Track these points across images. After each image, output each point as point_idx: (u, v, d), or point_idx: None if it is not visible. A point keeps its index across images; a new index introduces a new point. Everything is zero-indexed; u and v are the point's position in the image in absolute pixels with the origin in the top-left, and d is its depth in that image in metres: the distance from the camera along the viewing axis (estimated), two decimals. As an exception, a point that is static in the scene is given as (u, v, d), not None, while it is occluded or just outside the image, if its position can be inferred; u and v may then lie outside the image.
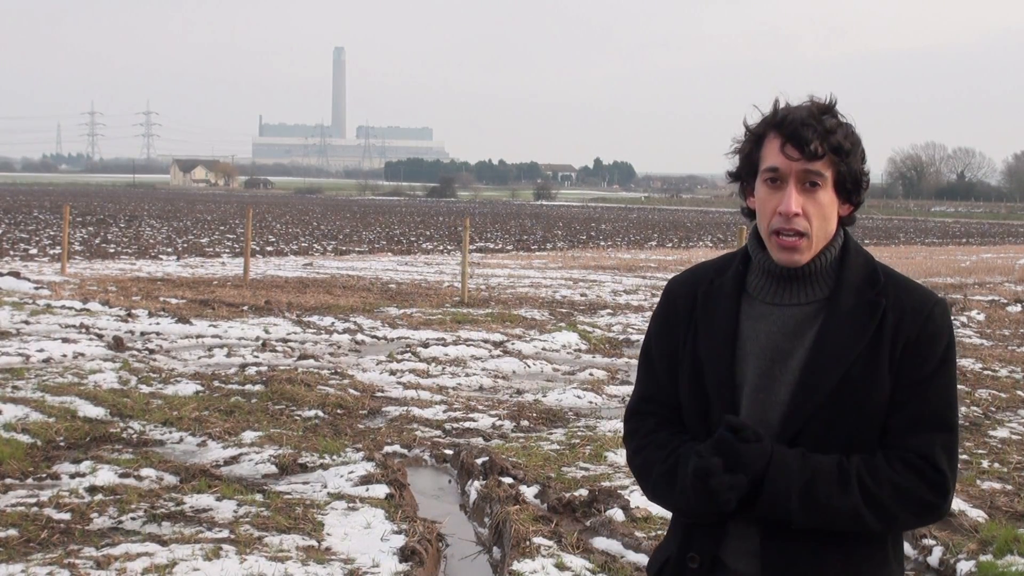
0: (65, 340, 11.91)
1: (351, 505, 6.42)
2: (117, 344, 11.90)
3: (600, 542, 5.95)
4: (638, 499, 6.52)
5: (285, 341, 12.97)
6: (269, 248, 32.34)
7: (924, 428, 2.04)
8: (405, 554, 5.61)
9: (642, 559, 5.67)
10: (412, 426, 8.89)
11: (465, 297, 18.07)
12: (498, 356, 12.28)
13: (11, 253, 26.68)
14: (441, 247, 35.76)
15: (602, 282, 22.87)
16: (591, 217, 72.44)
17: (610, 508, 6.40)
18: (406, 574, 5.40)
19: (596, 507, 6.48)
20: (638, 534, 6.01)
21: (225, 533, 5.78)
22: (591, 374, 11.50)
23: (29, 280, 17.57)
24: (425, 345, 12.73)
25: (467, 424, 9.01)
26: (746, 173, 2.13)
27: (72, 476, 6.88)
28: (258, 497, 6.55)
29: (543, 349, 13.04)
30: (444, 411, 9.42)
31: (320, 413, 9.09)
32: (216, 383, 10.04)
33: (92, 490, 6.53)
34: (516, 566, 5.44)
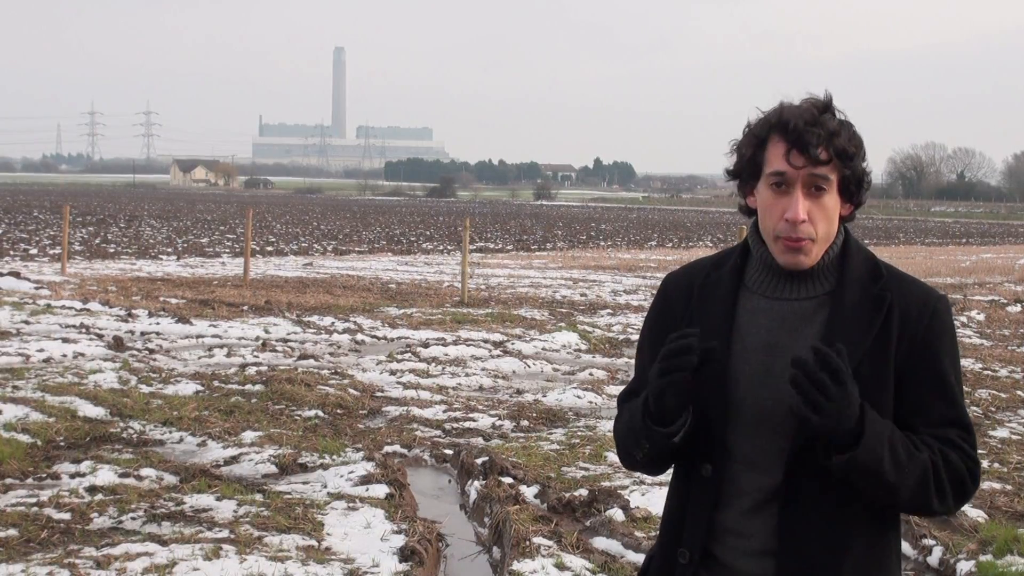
0: (65, 340, 11.91)
1: (351, 505, 6.42)
2: (117, 344, 11.91)
3: (600, 542, 5.95)
4: (638, 499, 6.53)
5: (285, 341, 12.97)
6: (269, 248, 32.34)
7: (948, 424, 2.05)
8: (405, 554, 5.61)
9: (642, 559, 5.66)
10: (412, 426, 8.89)
11: (465, 297, 18.07)
12: (498, 356, 12.28)
13: (11, 253, 26.68)
14: (441, 247, 35.76)
15: (602, 282, 22.87)
16: (591, 217, 72.44)
17: (610, 508, 6.40)
18: (406, 574, 5.40)
19: (596, 507, 6.48)
20: (638, 534, 6.01)
21: (225, 533, 5.78)
22: (591, 374, 11.50)
23: (29, 280, 17.58)
24: (425, 345, 12.74)
25: (467, 424, 9.01)
26: (748, 174, 2.11)
27: (72, 476, 6.88)
28: (258, 497, 6.55)
29: (543, 349, 13.04)
30: (444, 411, 9.42)
31: (320, 413, 9.09)
32: (216, 383, 10.04)
33: (92, 490, 6.53)
34: (516, 566, 5.45)
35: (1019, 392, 10.96)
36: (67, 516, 6.02)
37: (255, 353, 12.01)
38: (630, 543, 5.88)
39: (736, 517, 2.07)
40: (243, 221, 31.94)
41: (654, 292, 20.34)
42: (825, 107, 2.05)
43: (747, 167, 2.11)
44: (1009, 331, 16.07)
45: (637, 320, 16.01)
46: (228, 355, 11.80)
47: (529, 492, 6.80)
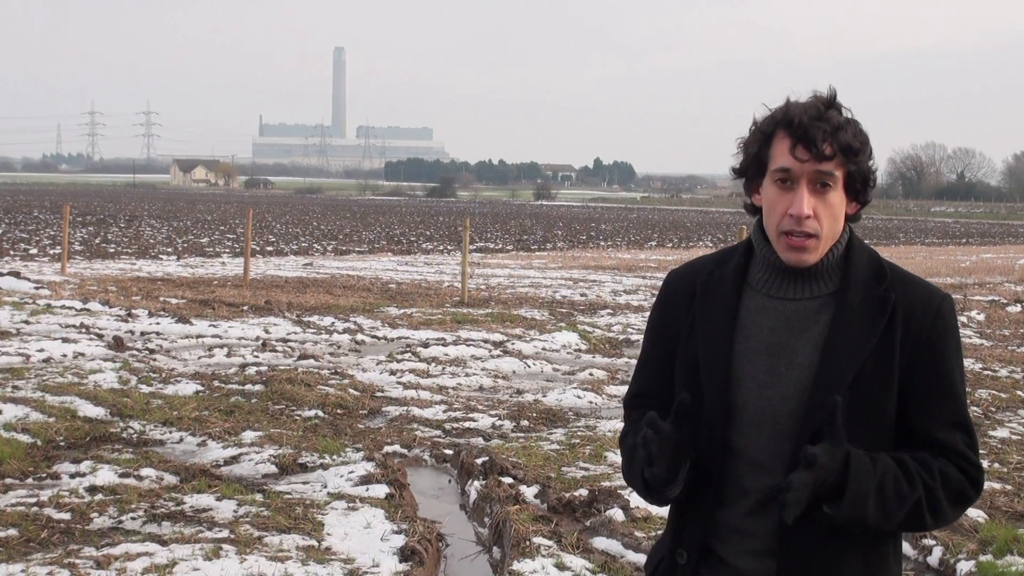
0: (65, 340, 11.91)
1: (351, 505, 6.42)
2: (117, 344, 11.91)
3: (600, 542, 5.95)
4: (638, 499, 6.52)
5: (285, 341, 12.97)
6: (269, 248, 32.34)
7: (951, 427, 2.04)
8: (405, 554, 5.61)
9: (642, 559, 5.67)
10: (412, 426, 8.89)
11: (465, 297, 18.07)
12: (498, 356, 12.28)
13: (11, 253, 26.68)
14: (441, 247, 35.76)
15: (602, 282, 22.86)
16: (591, 217, 72.44)
17: (610, 508, 6.40)
18: (406, 574, 5.40)
19: (596, 507, 6.48)
20: (638, 534, 6.01)
21: (225, 533, 5.78)
22: (591, 374, 11.49)
23: (29, 280, 17.57)
24: (425, 345, 12.73)
25: (467, 424, 9.01)
26: (753, 171, 2.10)
27: (72, 476, 6.88)
28: (258, 497, 6.55)
29: (543, 349, 13.04)
30: (444, 411, 9.42)
31: (320, 413, 9.09)
32: (216, 383, 10.04)
33: (92, 490, 6.53)
34: (516, 566, 5.45)
35: (1019, 392, 10.95)
36: (67, 516, 6.02)
37: (255, 353, 12.01)
38: (630, 543, 5.88)
39: (739, 516, 2.07)
40: (243, 221, 31.96)
41: (654, 292, 20.32)
42: (830, 103, 2.04)
43: (752, 164, 2.09)
44: (1009, 331, 16.07)
45: (637, 320, 16.01)
46: (228, 355, 11.80)
47: (529, 492, 6.80)
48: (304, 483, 7.04)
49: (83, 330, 12.84)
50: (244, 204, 68.17)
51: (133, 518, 6.05)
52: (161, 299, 16.58)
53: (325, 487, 6.87)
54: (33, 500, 6.30)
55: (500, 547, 6.09)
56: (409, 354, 12.16)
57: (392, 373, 11.04)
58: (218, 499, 6.45)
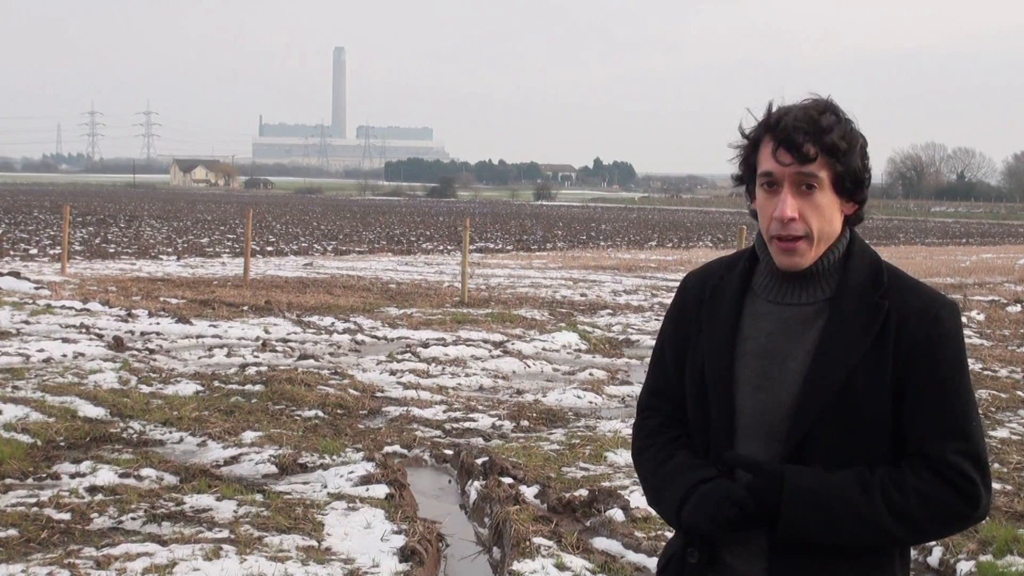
0: (65, 340, 11.91)
1: (351, 505, 6.43)
2: (117, 344, 11.91)
3: (600, 542, 5.95)
4: (638, 499, 6.52)
5: (285, 341, 12.97)
6: (269, 248, 32.34)
7: (942, 436, 1.99)
8: (405, 554, 5.61)
9: (642, 559, 5.67)
10: (412, 426, 8.89)
11: (465, 297, 18.07)
12: (498, 356, 12.28)
13: (11, 253, 26.68)
14: (441, 247, 35.76)
15: (602, 282, 22.87)
16: (591, 217, 72.43)
17: (610, 508, 6.40)
18: (406, 574, 5.40)
19: (596, 507, 6.48)
20: (638, 534, 6.01)
21: (225, 533, 5.78)
22: (591, 374, 11.50)
23: (29, 280, 17.57)
24: (425, 345, 12.74)
25: (467, 424, 9.01)
26: (747, 177, 2.11)
27: (72, 476, 6.88)
28: (258, 497, 6.55)
29: (543, 349, 13.04)
30: (444, 411, 9.42)
31: (320, 413, 9.09)
32: (216, 383, 10.04)
33: (92, 490, 6.53)
34: (516, 566, 5.45)
35: (1019, 392, 10.96)
36: (67, 516, 6.02)
37: (255, 353, 12.01)
38: (630, 543, 5.88)
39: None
40: (243, 221, 31.96)
41: (654, 292, 20.37)
42: (823, 108, 2.02)
43: (744, 169, 2.11)
44: (1009, 331, 16.07)
45: (637, 320, 16.01)
46: (228, 355, 11.80)
47: (529, 492, 6.80)
48: (304, 483, 7.05)
49: (83, 330, 12.84)
50: (244, 204, 68.19)
51: (133, 518, 6.05)
52: (161, 299, 16.58)
53: (325, 487, 6.87)
54: (33, 500, 6.30)
55: (500, 547, 6.09)
56: (409, 354, 12.16)
57: (392, 373, 11.04)
58: (218, 499, 6.45)
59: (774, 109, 2.05)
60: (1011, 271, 28.93)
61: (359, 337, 13.44)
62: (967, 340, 14.60)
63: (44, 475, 6.94)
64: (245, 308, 15.73)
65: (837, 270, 2.07)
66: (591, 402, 10.07)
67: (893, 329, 2.01)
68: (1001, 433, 8.98)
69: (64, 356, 11.17)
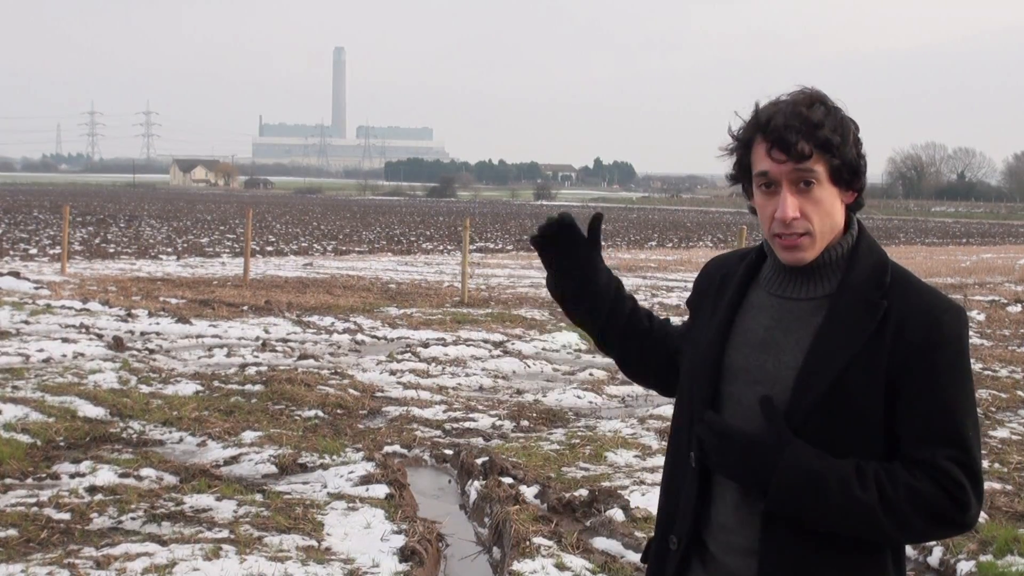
0: (65, 340, 11.91)
1: (351, 505, 6.42)
2: (117, 344, 11.91)
3: (600, 542, 5.95)
4: (638, 499, 6.53)
5: (285, 341, 12.96)
6: (269, 248, 32.33)
7: (934, 442, 1.96)
8: (405, 554, 5.61)
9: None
10: (412, 426, 8.89)
11: (465, 297, 18.07)
12: (498, 356, 12.28)
13: (11, 253, 26.67)
14: (441, 247, 35.76)
15: (602, 282, 22.83)
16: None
17: (610, 508, 6.40)
18: (406, 574, 5.40)
19: (596, 507, 6.48)
20: (638, 534, 6.01)
21: (225, 533, 5.78)
22: (591, 374, 11.50)
23: (29, 280, 17.57)
24: (425, 345, 12.74)
25: (467, 424, 9.01)
26: (743, 177, 2.10)
27: (72, 476, 6.88)
28: (258, 497, 6.55)
29: (543, 349, 13.04)
30: (444, 411, 9.42)
31: (320, 413, 9.09)
32: (216, 383, 10.04)
33: (92, 490, 6.53)
34: (516, 566, 5.44)
35: (1019, 392, 10.96)
36: (67, 516, 6.02)
37: (255, 353, 12.00)
38: (630, 543, 5.88)
39: (727, 511, 2.06)
40: (243, 221, 31.94)
41: (654, 292, 20.36)
42: (809, 98, 2.00)
43: (739, 170, 2.10)
44: (1009, 331, 16.07)
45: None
46: (228, 355, 11.80)
47: (529, 492, 6.80)
48: (304, 483, 7.04)
49: (83, 330, 12.84)
50: (244, 204, 68.20)
51: (133, 518, 6.05)
52: (161, 299, 16.58)
53: (325, 487, 6.87)
54: (33, 500, 6.30)
55: (500, 547, 6.09)
56: (409, 354, 12.16)
57: (392, 373, 11.04)
58: (218, 499, 6.45)
59: (760, 108, 2.03)
60: (1011, 271, 28.93)
61: (359, 337, 13.44)
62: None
63: (44, 475, 6.93)
64: (245, 308, 15.73)
65: (841, 266, 2.06)
66: (591, 402, 10.07)
67: (891, 330, 1.98)
68: (1001, 433, 8.97)
69: (64, 356, 11.17)
